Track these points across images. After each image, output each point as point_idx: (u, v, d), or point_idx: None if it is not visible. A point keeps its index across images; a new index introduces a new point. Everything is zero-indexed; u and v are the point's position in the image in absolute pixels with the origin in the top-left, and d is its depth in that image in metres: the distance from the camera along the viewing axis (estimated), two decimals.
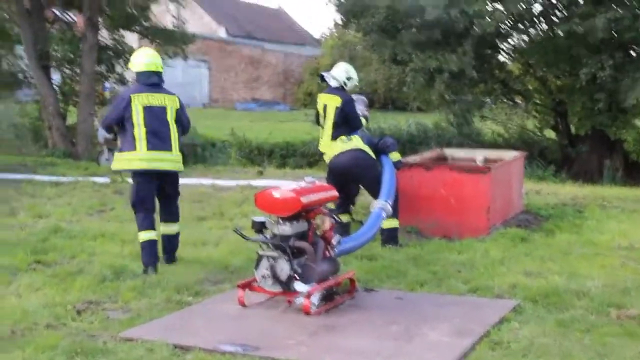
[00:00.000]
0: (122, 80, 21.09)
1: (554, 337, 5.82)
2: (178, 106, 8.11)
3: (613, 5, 18.30)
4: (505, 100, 23.37)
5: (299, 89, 44.04)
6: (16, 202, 11.79)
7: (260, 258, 6.64)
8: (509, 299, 6.90)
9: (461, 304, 6.80)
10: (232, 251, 8.54)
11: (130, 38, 23.58)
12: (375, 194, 8.94)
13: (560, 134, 22.11)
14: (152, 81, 7.97)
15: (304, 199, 6.63)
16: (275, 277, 6.55)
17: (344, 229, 8.90)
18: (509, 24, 19.91)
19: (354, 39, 34.22)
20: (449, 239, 9.45)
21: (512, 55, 23.32)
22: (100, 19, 20.40)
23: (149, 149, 7.78)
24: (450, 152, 12.42)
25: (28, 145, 20.66)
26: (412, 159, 11.06)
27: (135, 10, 21.53)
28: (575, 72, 19.03)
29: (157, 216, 8.17)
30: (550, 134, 22.80)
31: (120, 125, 7.93)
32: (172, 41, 22.10)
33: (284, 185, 7.00)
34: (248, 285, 6.71)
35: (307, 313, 6.40)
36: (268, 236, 6.71)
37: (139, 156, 7.80)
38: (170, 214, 8.16)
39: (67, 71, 21.37)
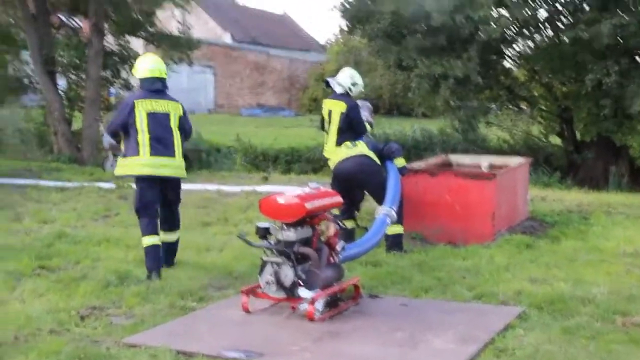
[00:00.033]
0: (127, 86, 21.13)
1: (559, 344, 5.79)
2: (181, 113, 8.13)
3: (618, 11, 18.29)
4: (510, 106, 23.32)
5: (304, 95, 44.05)
6: (21, 207, 11.80)
7: (264, 264, 6.63)
8: (514, 305, 6.87)
9: (466, 310, 6.77)
10: (237, 257, 8.53)
11: (136, 44, 23.63)
12: (380, 200, 8.92)
13: (565, 140, 22.06)
14: (155, 87, 7.99)
15: (309, 205, 6.62)
16: (279, 283, 6.53)
17: (348, 235, 8.89)
18: (514, 30, 19.88)
19: (359, 45, 34.20)
20: (454, 245, 9.43)
21: (518, 61, 23.29)
22: (106, 25, 20.45)
23: (152, 154, 7.80)
24: (455, 158, 12.38)
25: (33, 150, 20.68)
26: (417, 165, 11.03)
27: (141, 16, 21.58)
28: (581, 78, 18.97)
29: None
30: (555, 140, 22.75)
31: (124, 131, 7.94)
32: (177, 47, 22.13)
33: (288, 191, 6.98)
34: (252, 291, 6.70)
35: (311, 319, 6.38)
36: (272, 242, 6.70)
37: (142, 162, 7.81)
38: (172, 223, 8.17)
39: (73, 77, 21.41)
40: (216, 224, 10.91)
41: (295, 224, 6.65)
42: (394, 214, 8.61)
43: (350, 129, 9.62)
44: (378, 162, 9.25)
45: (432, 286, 7.55)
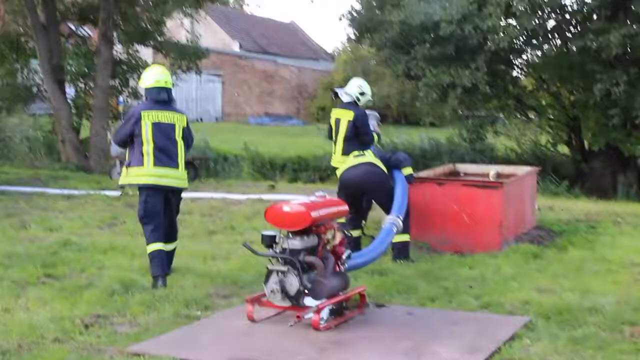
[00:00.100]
0: (135, 95, 21.17)
1: (566, 354, 5.74)
2: (185, 124, 8.18)
3: (628, 21, 18.26)
4: (518, 115, 23.29)
5: (312, 104, 44.03)
6: (27, 215, 11.80)
7: (269, 272, 6.59)
8: (521, 315, 6.82)
9: (472, 320, 6.73)
10: (242, 266, 8.50)
11: (145, 52, 23.70)
12: (387, 208, 8.89)
13: (573, 149, 22.01)
14: (161, 97, 8.03)
15: (314, 214, 6.59)
16: (284, 292, 6.49)
17: (354, 244, 8.87)
18: (522, 40, 19.86)
19: (367, 54, 34.20)
20: (461, 254, 9.40)
21: (526, 70, 23.28)
22: (115, 34, 20.52)
23: (155, 165, 7.85)
24: (463, 167, 12.36)
25: (41, 158, 20.73)
26: (424, 174, 11.00)
27: (150, 25, 21.68)
28: (589, 87, 18.93)
29: None
30: (563, 149, 22.70)
31: (130, 141, 7.99)
32: (186, 56, 22.19)
33: (294, 200, 6.96)
34: (257, 300, 6.66)
35: (316, 328, 6.35)
36: (278, 251, 6.66)
37: (145, 172, 7.87)
38: (170, 235, 8.15)
39: (81, 85, 21.49)
40: (222, 233, 10.90)
41: (301, 233, 6.62)
42: (400, 223, 8.58)
43: (357, 137, 9.61)
44: (385, 170, 9.21)
45: (439, 295, 7.51)
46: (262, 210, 6.82)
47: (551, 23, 19.70)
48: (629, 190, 19.43)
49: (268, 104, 44.81)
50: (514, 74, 23.20)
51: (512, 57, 21.58)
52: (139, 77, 19.56)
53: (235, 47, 48.00)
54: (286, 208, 6.63)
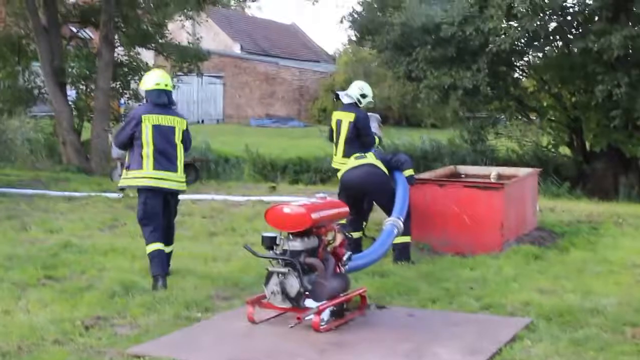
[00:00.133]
0: (136, 97, 21.15)
1: (567, 356, 5.73)
2: (185, 127, 8.24)
3: (629, 22, 18.25)
4: (519, 117, 23.28)
5: (313, 106, 44.01)
6: (28, 216, 11.79)
7: (270, 274, 6.58)
8: (522, 316, 6.81)
9: (473, 321, 6.71)
10: (243, 267, 8.49)
11: (146, 55, 23.70)
12: (388, 210, 8.87)
13: (575, 150, 21.99)
14: (161, 100, 8.09)
15: (315, 215, 6.57)
16: (284, 294, 6.48)
17: (355, 246, 8.86)
18: (523, 41, 19.84)
19: (368, 56, 34.17)
20: (462, 255, 9.38)
21: (527, 71, 23.27)
22: (116, 36, 20.52)
23: (155, 168, 7.90)
24: (464, 168, 12.35)
25: (42, 160, 20.71)
26: (425, 175, 10.99)
27: (151, 28, 21.67)
28: (591, 89, 18.92)
29: None
30: (565, 150, 22.68)
31: (130, 143, 8.03)
32: (187, 58, 22.19)
33: (294, 201, 6.95)
34: (257, 302, 6.65)
35: (317, 330, 6.33)
36: (278, 252, 6.65)
37: (145, 174, 7.91)
38: (168, 237, 8.15)
39: (83, 87, 21.48)
40: (223, 234, 10.89)
41: (301, 234, 6.61)
42: (401, 224, 8.56)
43: (359, 139, 9.61)
44: (386, 172, 9.20)
45: (440, 297, 7.50)
46: (262, 211, 6.80)
47: (552, 24, 19.69)
48: (631, 191, 19.41)
49: (269, 105, 44.80)
50: (515, 75, 23.22)
51: (513, 59, 21.58)
52: (140, 80, 19.55)
53: (237, 49, 48.01)
54: (286, 209, 6.61)
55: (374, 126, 10.10)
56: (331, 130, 10.15)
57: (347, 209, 7.30)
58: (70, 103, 20.68)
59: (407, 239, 9.05)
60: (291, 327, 6.40)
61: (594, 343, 5.97)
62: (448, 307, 7.22)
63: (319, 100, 43.49)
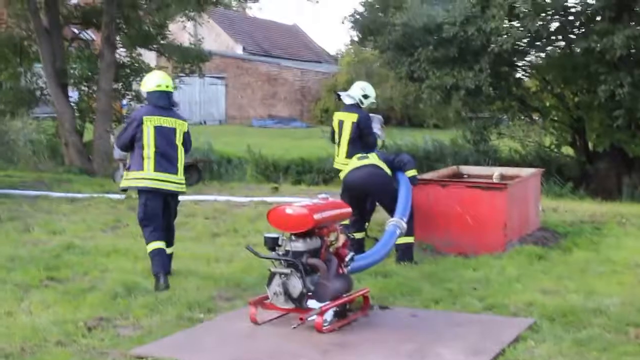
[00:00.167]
0: (138, 98, 21.15)
1: (570, 356, 5.72)
2: (186, 129, 8.30)
3: (632, 22, 18.23)
4: (522, 117, 23.26)
5: (315, 106, 43.99)
6: (31, 218, 11.78)
7: (272, 275, 6.57)
8: (525, 317, 6.80)
9: (476, 322, 6.70)
10: (245, 268, 8.48)
11: (148, 56, 23.70)
12: (391, 210, 8.86)
13: (578, 150, 21.96)
14: (162, 101, 8.14)
15: (317, 216, 6.57)
16: (287, 294, 6.47)
17: (358, 246, 8.84)
18: (526, 41, 19.82)
19: (370, 56, 34.16)
20: (465, 256, 9.36)
21: (529, 71, 23.24)
22: (117, 38, 20.53)
23: (156, 169, 7.95)
24: (467, 169, 12.33)
25: (45, 161, 20.72)
26: (428, 175, 10.97)
27: (153, 29, 21.67)
28: (593, 89, 18.91)
29: None
30: (568, 150, 22.66)
31: (131, 144, 8.07)
32: (188, 59, 22.19)
33: (296, 202, 6.94)
34: (260, 303, 6.64)
35: (320, 331, 6.32)
36: (280, 253, 6.64)
37: (145, 176, 7.95)
38: (168, 239, 8.16)
39: (85, 88, 21.49)
40: (225, 235, 10.88)
41: (303, 235, 6.61)
42: (404, 224, 8.54)
43: (362, 140, 9.60)
44: (389, 172, 9.18)
45: (443, 297, 7.48)
46: (265, 212, 6.79)
47: (554, 24, 19.66)
48: (634, 191, 19.37)
49: (271, 106, 44.80)
50: (518, 75, 23.19)
51: (515, 59, 21.56)
52: (141, 81, 19.61)
53: (239, 50, 48.01)
54: (289, 210, 6.61)
55: (377, 127, 10.08)
56: (333, 131, 10.14)
57: (349, 209, 7.30)
58: (72, 104, 20.69)
59: (410, 239, 9.03)
60: (294, 328, 6.40)
61: (597, 343, 5.95)
62: (451, 307, 7.20)
63: (321, 101, 43.48)
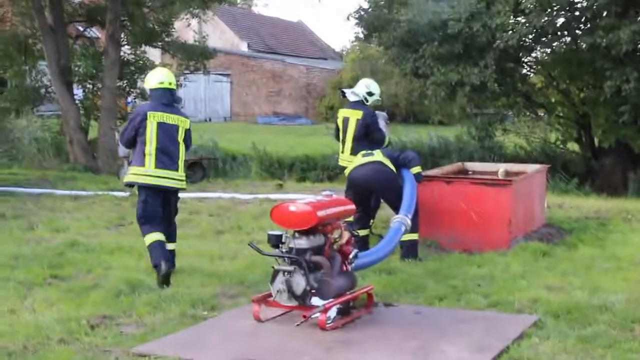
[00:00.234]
0: (143, 95, 21.17)
1: (575, 353, 5.68)
2: (188, 127, 8.30)
3: (638, 17, 18.15)
4: (527, 113, 23.21)
5: (320, 103, 43.94)
6: (35, 216, 11.79)
7: (276, 272, 6.55)
8: (530, 314, 6.76)
9: (481, 319, 6.67)
10: (249, 265, 8.47)
11: (153, 53, 23.70)
12: (395, 207, 8.83)
13: (583, 146, 21.91)
14: (165, 98, 8.15)
15: (321, 213, 6.54)
16: (290, 292, 6.45)
17: (362, 243, 8.82)
18: (531, 37, 19.76)
19: (375, 53, 34.10)
20: (470, 252, 9.33)
21: (535, 67, 23.18)
22: (122, 35, 20.53)
23: (157, 166, 7.96)
24: (472, 165, 12.30)
25: (49, 159, 20.74)
26: (432, 172, 10.94)
27: (157, 26, 21.68)
28: (599, 84, 18.84)
29: None
30: (573, 146, 22.60)
31: (134, 140, 8.10)
32: (193, 56, 22.20)
33: (300, 199, 6.92)
34: (263, 300, 6.62)
35: (323, 328, 6.30)
36: (284, 250, 6.62)
37: (146, 172, 7.96)
38: (170, 235, 8.17)
39: (89, 86, 21.52)
40: (229, 232, 10.87)
41: (307, 232, 6.58)
42: (408, 221, 8.50)
43: (367, 136, 9.59)
44: (394, 169, 9.15)
45: (447, 294, 7.45)
46: (269, 209, 6.76)
47: (560, 20, 19.59)
48: None
49: (276, 103, 44.77)
50: (523, 71, 23.12)
51: (521, 55, 21.49)
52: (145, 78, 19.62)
53: (244, 47, 47.98)
54: (292, 207, 6.59)
55: (382, 124, 10.05)
56: (337, 128, 10.12)
57: (353, 206, 7.29)
58: (77, 102, 20.72)
59: (414, 236, 9.00)
60: (297, 325, 6.37)
61: (602, 340, 5.92)
62: (455, 304, 7.18)
63: (326, 98, 43.41)
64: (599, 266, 8.63)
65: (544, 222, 11.10)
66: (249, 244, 7.08)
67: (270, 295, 6.59)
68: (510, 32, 18.62)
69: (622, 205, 13.69)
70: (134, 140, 8.05)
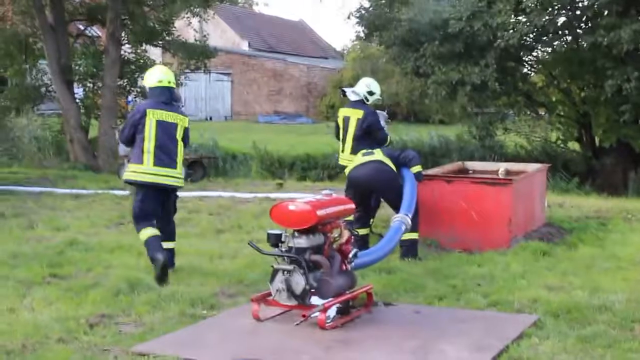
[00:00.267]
0: (144, 94, 21.14)
1: (575, 353, 5.67)
2: (186, 125, 8.32)
3: (639, 17, 18.13)
4: (528, 112, 23.20)
5: (321, 102, 43.94)
6: (35, 214, 11.78)
7: (275, 271, 6.54)
8: (530, 313, 6.75)
9: (480, 318, 6.66)
10: (249, 264, 8.45)
11: (154, 52, 23.69)
12: (396, 207, 8.82)
13: (584, 146, 21.90)
14: (164, 97, 8.16)
15: (320, 212, 6.53)
16: (290, 291, 6.44)
17: (362, 242, 8.81)
18: (532, 36, 19.75)
19: (376, 52, 34.09)
20: (470, 252, 9.32)
21: (536, 66, 23.17)
22: (123, 34, 20.53)
23: (155, 164, 7.97)
24: (472, 164, 12.29)
25: (50, 158, 20.74)
26: (433, 171, 10.93)
27: (158, 25, 21.67)
28: (600, 83, 18.84)
29: None
30: (574, 146, 22.59)
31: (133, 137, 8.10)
32: (194, 55, 22.19)
33: (299, 198, 6.91)
34: (262, 299, 6.61)
35: (323, 327, 6.29)
36: (283, 249, 6.60)
37: (145, 170, 7.97)
38: (168, 235, 8.17)
39: (90, 85, 21.53)
40: (229, 231, 10.86)
41: (306, 231, 6.56)
42: (409, 220, 8.49)
43: (368, 135, 9.59)
44: (394, 168, 9.14)
45: (447, 294, 7.44)
46: (269, 208, 6.75)
47: (561, 19, 19.59)
48: None
49: (277, 102, 44.78)
50: (524, 70, 23.12)
51: (522, 54, 21.50)
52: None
53: (245, 46, 47.99)
54: (292, 207, 6.57)
55: (382, 123, 10.05)
56: (337, 127, 10.11)
57: (353, 205, 7.27)
58: (77, 101, 20.73)
59: (414, 235, 8.99)
60: (296, 324, 6.36)
61: (602, 340, 5.90)
62: (455, 304, 7.17)
63: (327, 97, 43.41)
64: (599, 266, 8.61)
65: (544, 222, 11.09)
66: (248, 243, 7.06)
67: (269, 294, 6.58)
68: (511, 31, 18.62)
69: (622, 204, 13.68)
70: (133, 138, 8.06)
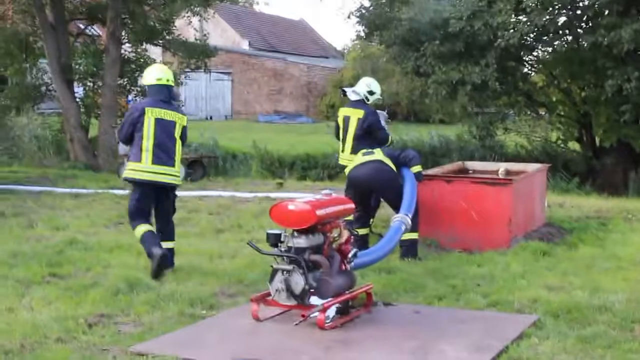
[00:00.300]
0: (144, 93, 21.12)
1: (575, 353, 5.66)
2: (185, 123, 8.34)
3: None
4: (528, 112, 23.19)
5: (322, 102, 43.92)
6: (35, 213, 11.77)
7: (274, 271, 6.53)
8: (530, 313, 6.74)
9: (480, 318, 6.65)
10: (248, 264, 8.44)
11: (154, 51, 23.68)
12: (396, 206, 8.81)
13: (584, 146, 21.89)
14: (163, 94, 8.18)
15: (320, 212, 6.52)
16: (289, 291, 6.43)
17: (362, 242, 8.80)
18: (533, 36, 19.74)
19: (376, 51, 34.08)
20: (470, 252, 9.31)
21: (536, 66, 23.16)
22: (123, 33, 20.52)
23: (153, 162, 8.00)
24: (472, 164, 12.28)
25: (50, 157, 20.73)
26: (433, 171, 10.92)
27: (158, 24, 21.67)
28: (601, 83, 18.83)
29: None
30: (574, 146, 22.57)
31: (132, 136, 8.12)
32: (194, 54, 22.19)
33: (299, 198, 6.89)
34: (262, 299, 6.60)
35: (322, 327, 6.27)
36: (283, 249, 6.59)
37: (143, 168, 7.99)
38: (167, 234, 8.19)
39: (90, 84, 21.52)
40: (229, 231, 10.85)
41: (306, 231, 6.55)
42: (409, 220, 8.48)
43: (369, 135, 9.58)
44: (394, 168, 9.13)
45: (446, 294, 7.43)
46: (269, 208, 6.73)
47: (562, 19, 19.57)
48: None
49: (277, 102, 44.76)
50: (524, 70, 23.11)
51: (522, 54, 21.48)
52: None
53: (245, 46, 47.95)
54: (291, 206, 6.56)
55: (382, 123, 10.04)
56: (337, 127, 10.09)
57: (352, 205, 7.27)
58: (77, 100, 20.72)
59: (414, 235, 8.98)
60: (296, 324, 6.35)
61: (602, 340, 5.89)
62: (455, 304, 7.16)
63: (327, 96, 43.38)
64: (599, 266, 8.61)
65: (545, 222, 11.08)
66: (248, 243, 7.05)
67: (269, 294, 6.57)
68: (512, 30, 18.61)
69: (622, 204, 13.67)
70: (131, 136, 8.07)
